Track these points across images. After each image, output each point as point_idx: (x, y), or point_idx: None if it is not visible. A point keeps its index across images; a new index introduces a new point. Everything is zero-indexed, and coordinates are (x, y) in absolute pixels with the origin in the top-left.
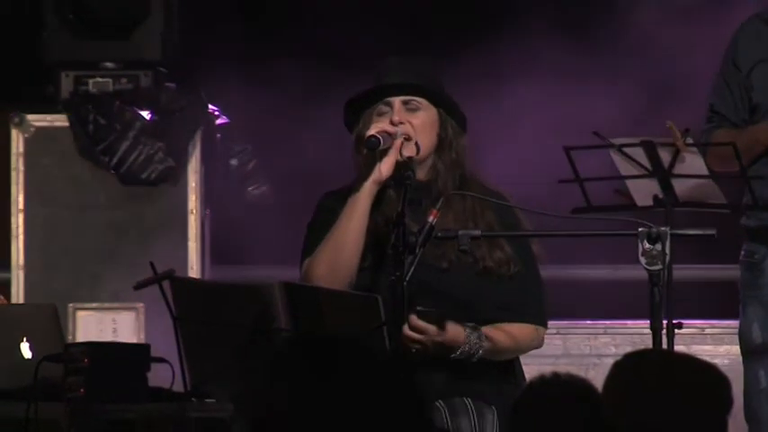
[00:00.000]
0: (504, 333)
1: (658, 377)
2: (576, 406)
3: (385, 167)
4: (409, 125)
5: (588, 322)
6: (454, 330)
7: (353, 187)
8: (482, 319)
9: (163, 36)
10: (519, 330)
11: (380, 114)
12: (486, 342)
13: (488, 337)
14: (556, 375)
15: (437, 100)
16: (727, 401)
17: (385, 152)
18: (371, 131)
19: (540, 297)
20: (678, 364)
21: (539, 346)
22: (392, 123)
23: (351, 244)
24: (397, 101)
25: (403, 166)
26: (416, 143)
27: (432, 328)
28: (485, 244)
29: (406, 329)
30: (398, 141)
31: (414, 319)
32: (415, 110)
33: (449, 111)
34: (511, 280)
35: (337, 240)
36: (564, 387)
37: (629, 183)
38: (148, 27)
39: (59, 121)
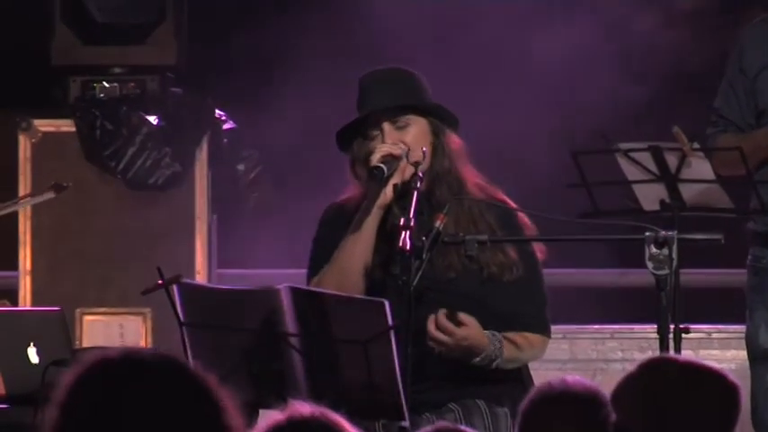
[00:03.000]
0: (517, 342)
1: (674, 383)
2: (583, 411)
3: (390, 191)
4: (403, 144)
5: (595, 327)
6: (479, 334)
7: (359, 209)
8: (489, 324)
9: (177, 41)
10: (529, 340)
11: (372, 139)
12: (505, 349)
13: (506, 345)
14: (563, 381)
15: (424, 110)
16: (736, 410)
17: (390, 177)
18: (375, 160)
19: (544, 307)
20: (693, 372)
21: (542, 355)
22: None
23: (356, 269)
24: (386, 124)
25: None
26: (422, 150)
27: (458, 330)
28: (488, 248)
29: (432, 329)
30: (403, 164)
31: (441, 318)
32: (404, 127)
33: (438, 116)
34: (516, 289)
35: (343, 265)
36: (572, 393)
37: (636, 187)
38: (163, 32)
39: (66, 126)
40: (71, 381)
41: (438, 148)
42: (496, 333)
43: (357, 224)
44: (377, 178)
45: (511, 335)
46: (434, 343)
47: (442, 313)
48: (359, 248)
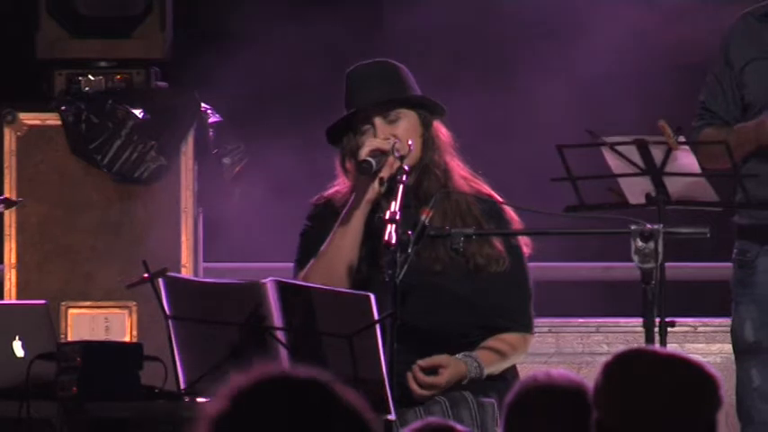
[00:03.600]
0: (500, 350)
1: (647, 376)
2: (567, 405)
3: (377, 185)
4: (394, 137)
5: (581, 320)
6: (457, 368)
7: (347, 204)
8: (475, 323)
9: (163, 35)
10: (512, 344)
11: (362, 134)
12: (484, 365)
13: (484, 360)
14: (548, 374)
15: (414, 103)
16: (717, 400)
17: (378, 171)
18: (364, 154)
19: (529, 302)
20: (666, 363)
21: (526, 352)
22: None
23: (343, 263)
24: (377, 119)
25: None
26: (408, 144)
27: (439, 379)
28: (474, 241)
29: (416, 389)
30: (391, 159)
31: (421, 377)
32: (395, 121)
33: (427, 108)
34: (502, 281)
35: (330, 259)
36: (556, 386)
37: (622, 181)
38: (149, 26)
39: (52, 119)
40: (243, 390)
41: (427, 140)
42: (471, 354)
43: (345, 218)
44: (365, 172)
45: (494, 343)
46: (421, 398)
47: (418, 371)
48: (346, 242)
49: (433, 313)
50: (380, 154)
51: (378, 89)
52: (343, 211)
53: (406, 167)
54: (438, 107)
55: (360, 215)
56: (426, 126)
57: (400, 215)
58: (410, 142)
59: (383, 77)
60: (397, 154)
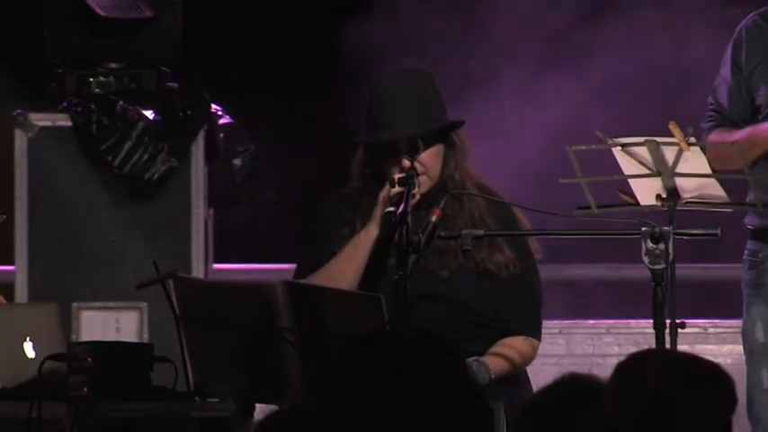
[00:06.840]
0: (508, 356)
1: (661, 378)
2: (581, 406)
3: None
4: (418, 164)
5: (591, 322)
6: None
7: (356, 207)
8: (483, 329)
9: (174, 35)
10: (520, 351)
11: (385, 156)
12: (491, 370)
13: (491, 365)
14: (572, 376)
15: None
16: (732, 401)
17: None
18: (387, 206)
19: (539, 309)
20: (681, 365)
21: (533, 359)
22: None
23: (344, 286)
24: (401, 150)
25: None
26: (428, 177)
27: None
28: (485, 247)
29: None
30: (412, 202)
31: None
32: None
33: (452, 130)
34: (511, 287)
35: (333, 280)
36: (571, 388)
37: (633, 182)
38: (159, 26)
39: (63, 120)
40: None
41: (449, 160)
42: (479, 358)
43: (356, 242)
44: (390, 221)
45: (501, 349)
46: None
47: None
48: (352, 266)
49: (442, 321)
50: (398, 197)
51: (407, 116)
52: (355, 240)
53: (417, 168)
54: (460, 124)
55: (369, 245)
56: (449, 146)
57: (408, 216)
58: (429, 177)
59: (411, 100)
60: (414, 190)
